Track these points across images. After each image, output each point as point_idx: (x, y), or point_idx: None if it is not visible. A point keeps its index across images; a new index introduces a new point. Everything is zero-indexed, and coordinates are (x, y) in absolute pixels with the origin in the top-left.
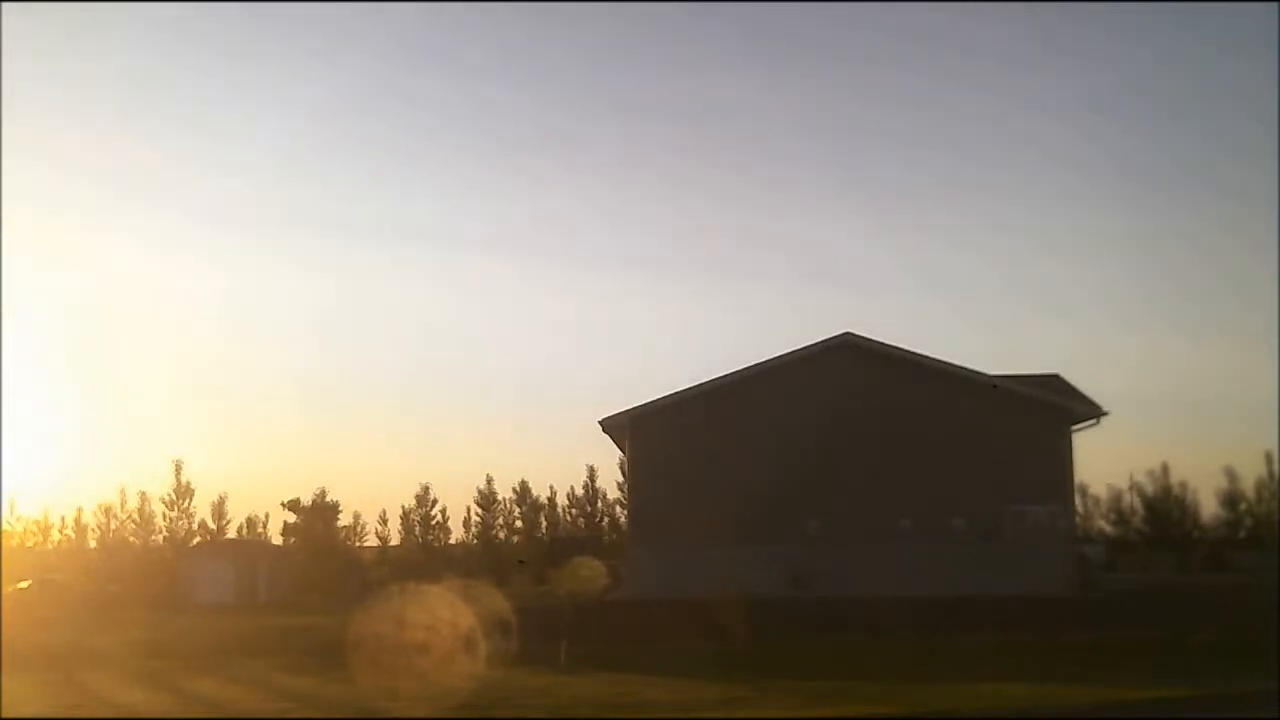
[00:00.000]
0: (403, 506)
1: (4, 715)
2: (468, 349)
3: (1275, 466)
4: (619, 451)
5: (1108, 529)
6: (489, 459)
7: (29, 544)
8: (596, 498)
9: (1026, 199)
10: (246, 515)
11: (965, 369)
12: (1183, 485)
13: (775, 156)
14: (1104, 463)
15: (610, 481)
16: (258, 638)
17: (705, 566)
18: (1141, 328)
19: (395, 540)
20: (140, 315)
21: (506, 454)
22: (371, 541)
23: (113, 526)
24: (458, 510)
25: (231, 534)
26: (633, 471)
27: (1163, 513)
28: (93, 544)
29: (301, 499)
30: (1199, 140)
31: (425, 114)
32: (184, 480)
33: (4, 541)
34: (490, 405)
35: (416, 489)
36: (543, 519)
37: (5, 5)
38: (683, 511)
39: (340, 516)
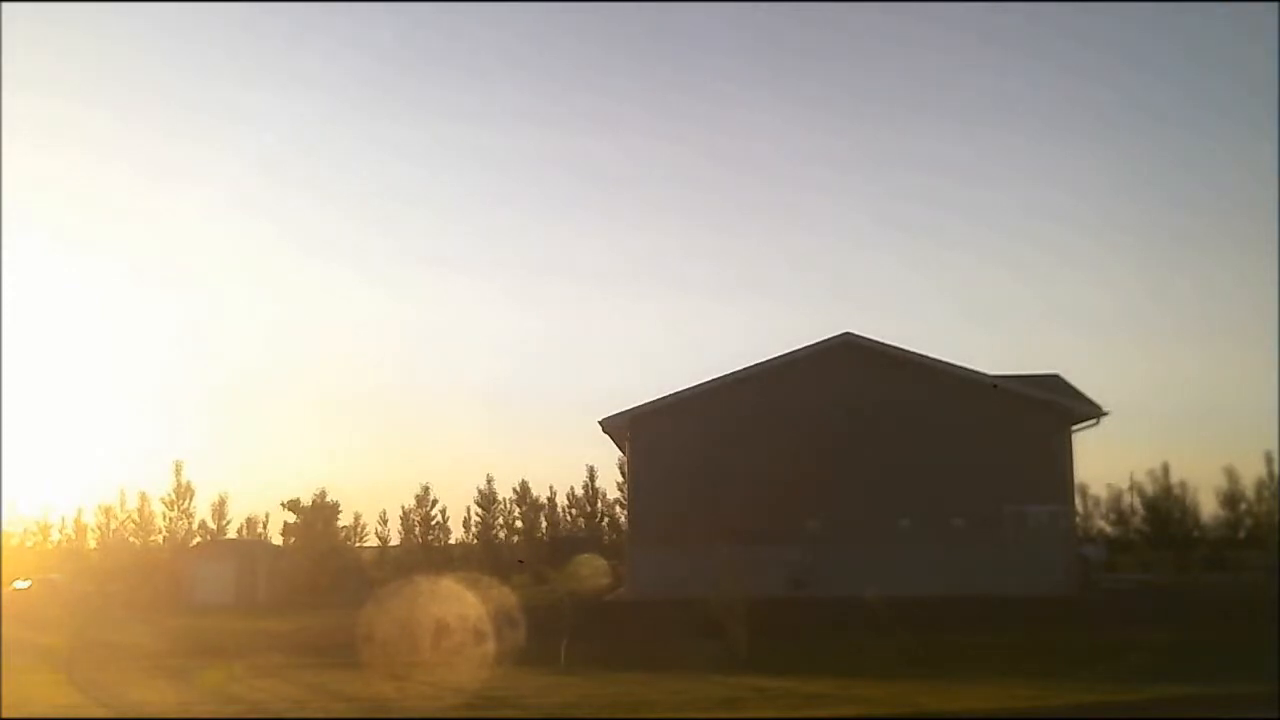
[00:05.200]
0: (403, 506)
1: (4, 715)
2: (468, 349)
3: (1275, 467)
4: (619, 451)
5: (1108, 529)
6: (489, 459)
7: (29, 544)
8: (596, 498)
9: (1027, 200)
10: (246, 515)
11: (965, 369)
12: (1183, 485)
13: (776, 160)
14: (1104, 463)
15: (610, 481)
16: (259, 638)
17: (705, 566)
18: (1141, 328)
19: (395, 540)
20: (140, 315)
21: (506, 454)
22: (371, 541)
23: (113, 527)
24: (458, 510)
25: (231, 534)
26: (633, 471)
27: (1163, 513)
28: (93, 544)
29: (301, 499)
30: (1199, 142)
31: (429, 125)
32: (184, 480)
33: (4, 541)
34: (490, 405)
35: (416, 489)
36: (543, 519)
37: (5, 5)
38: (683, 511)
39: (340, 516)
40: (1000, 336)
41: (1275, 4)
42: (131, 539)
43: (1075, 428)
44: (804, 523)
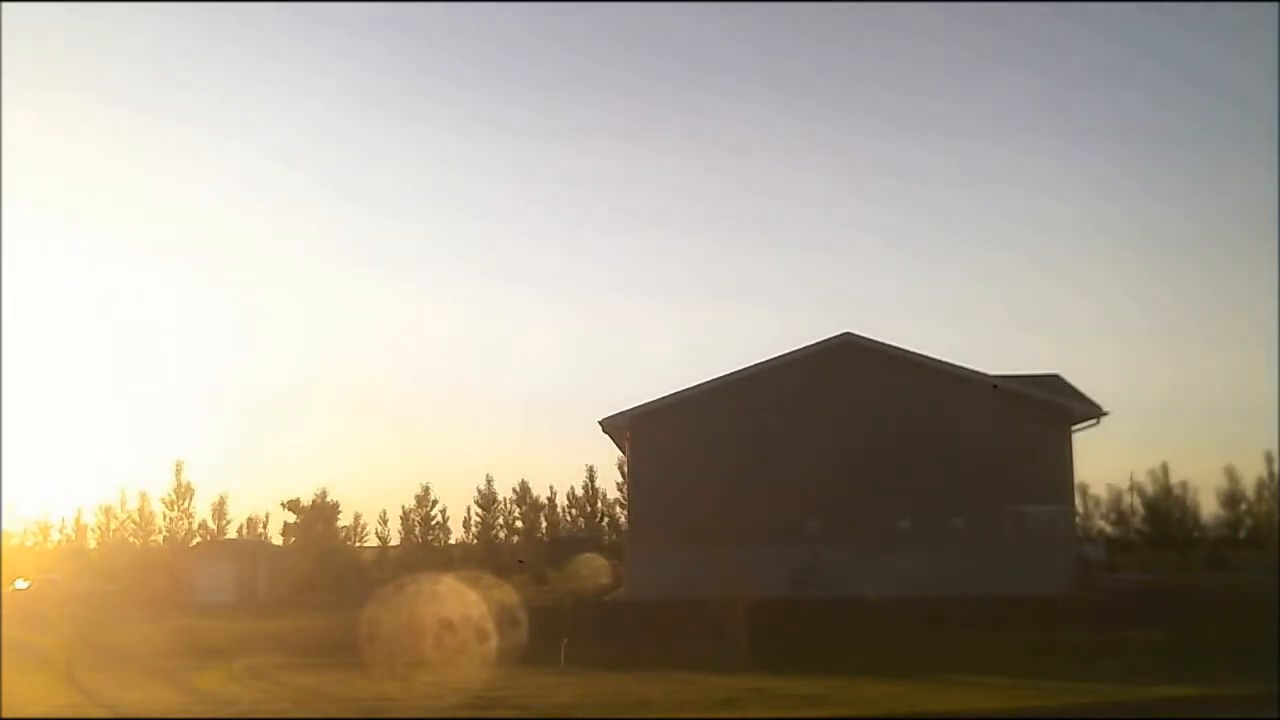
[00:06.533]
0: (403, 506)
1: (4, 715)
2: (468, 350)
3: (1275, 467)
4: (619, 451)
5: (1108, 529)
6: (489, 459)
7: (29, 544)
8: (596, 498)
9: (1027, 201)
10: (247, 515)
11: (965, 369)
12: (1183, 485)
13: (776, 167)
14: (1104, 463)
15: (610, 481)
16: (259, 638)
17: (705, 566)
18: (1142, 328)
19: (395, 540)
20: (141, 315)
21: (506, 454)
22: (371, 541)
23: (113, 526)
24: (458, 510)
25: (231, 534)
26: (633, 471)
27: (1163, 513)
28: (93, 544)
29: (301, 499)
30: (1198, 143)
31: (433, 130)
32: (184, 480)
33: (4, 541)
34: (491, 405)
35: (416, 489)
36: (543, 519)
37: (5, 5)
38: (683, 512)
39: (340, 516)
40: (1000, 337)
41: (1275, 3)
42: (131, 539)
43: (1075, 428)
44: (804, 523)
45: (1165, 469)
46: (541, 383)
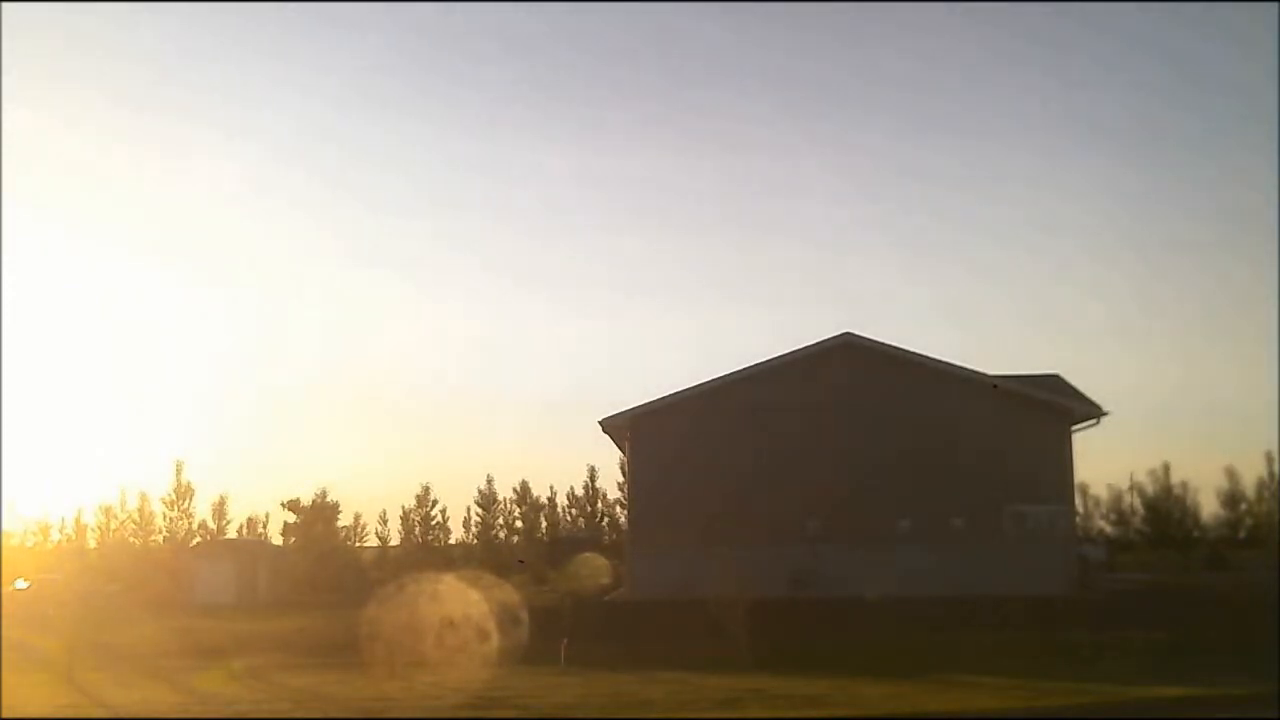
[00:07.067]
0: (403, 506)
1: (4, 715)
2: (469, 350)
3: (1275, 467)
4: (619, 451)
5: (1108, 529)
6: (489, 459)
7: (29, 544)
8: (596, 498)
9: (1027, 201)
10: (247, 515)
11: (965, 369)
12: (1183, 485)
13: (777, 169)
14: (1104, 463)
15: (610, 481)
16: (259, 639)
17: (705, 566)
18: (1142, 328)
19: (395, 540)
20: (141, 316)
21: (507, 454)
22: (371, 541)
23: (113, 526)
24: (458, 510)
25: (231, 534)
26: (633, 471)
27: (1163, 513)
28: (93, 544)
29: (301, 499)
30: (1199, 143)
31: (435, 131)
32: (184, 480)
33: (4, 541)
34: (491, 405)
35: (416, 489)
36: (543, 519)
37: (5, 5)
38: (683, 511)
39: (340, 516)
40: (1001, 337)
41: (1275, 4)
42: (131, 539)
43: (1075, 428)
44: (804, 523)
45: (1165, 469)
46: (541, 383)
